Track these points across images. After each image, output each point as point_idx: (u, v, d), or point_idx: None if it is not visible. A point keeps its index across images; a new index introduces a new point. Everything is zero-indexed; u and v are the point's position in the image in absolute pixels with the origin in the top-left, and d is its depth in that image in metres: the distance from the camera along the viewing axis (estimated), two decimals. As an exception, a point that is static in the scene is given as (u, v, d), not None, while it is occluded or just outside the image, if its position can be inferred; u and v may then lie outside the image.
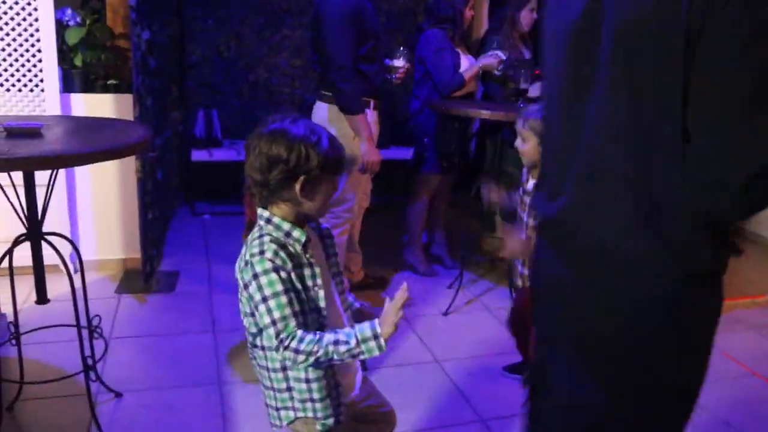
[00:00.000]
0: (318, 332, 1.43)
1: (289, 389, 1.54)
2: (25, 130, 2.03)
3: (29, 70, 3.42)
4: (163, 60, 4.09)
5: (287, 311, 1.41)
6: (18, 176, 2.12)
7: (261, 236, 1.48)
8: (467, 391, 2.74)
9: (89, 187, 3.73)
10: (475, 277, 3.95)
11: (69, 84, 3.60)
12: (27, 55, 3.39)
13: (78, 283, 2.25)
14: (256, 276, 1.42)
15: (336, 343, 1.40)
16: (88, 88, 3.65)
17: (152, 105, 3.55)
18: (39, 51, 3.40)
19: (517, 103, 3.83)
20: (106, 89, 3.68)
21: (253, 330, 1.52)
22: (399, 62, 3.37)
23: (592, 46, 1.14)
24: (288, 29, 5.23)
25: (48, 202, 2.18)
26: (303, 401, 1.54)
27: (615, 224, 1.14)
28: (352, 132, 3.04)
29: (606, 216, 1.15)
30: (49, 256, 2.29)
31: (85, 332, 2.33)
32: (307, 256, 1.51)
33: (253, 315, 1.49)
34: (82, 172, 3.70)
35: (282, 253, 1.45)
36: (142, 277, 3.56)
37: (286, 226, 1.49)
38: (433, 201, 4.06)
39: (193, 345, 3.02)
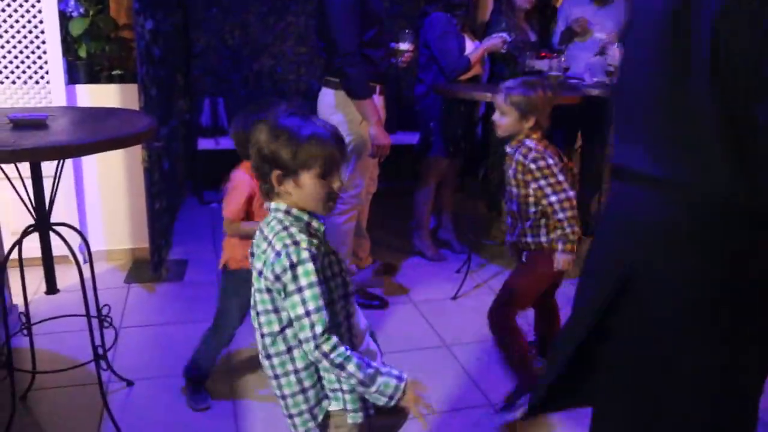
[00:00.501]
0: (348, 349, 1.42)
1: (319, 379, 1.52)
2: (30, 122, 2.03)
3: (34, 62, 3.42)
4: (168, 49, 4.08)
5: (321, 303, 1.40)
6: (25, 168, 2.12)
7: (286, 228, 1.45)
8: (476, 375, 2.74)
9: (96, 178, 3.74)
10: (483, 262, 3.94)
11: (74, 75, 3.60)
12: (32, 47, 3.39)
13: (87, 273, 2.26)
14: (293, 266, 1.39)
15: (361, 383, 1.41)
16: (92, 79, 3.65)
17: (157, 95, 3.55)
18: (43, 43, 3.40)
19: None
20: (110, 80, 3.68)
21: (275, 328, 1.48)
22: (404, 45, 3.34)
23: (688, 28, 1.27)
24: (292, 17, 5.21)
25: (55, 193, 2.19)
26: (333, 391, 1.51)
27: (711, 171, 1.29)
28: (359, 117, 3.04)
29: (703, 165, 1.30)
30: (57, 247, 2.29)
31: (95, 322, 2.34)
32: (326, 243, 1.52)
33: (276, 311, 1.46)
34: (89, 163, 3.71)
35: (314, 241, 1.46)
36: (150, 266, 3.58)
37: (306, 216, 1.48)
38: (440, 186, 4.05)
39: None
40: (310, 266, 1.40)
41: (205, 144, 4.96)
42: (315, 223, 1.49)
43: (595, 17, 4.10)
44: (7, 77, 3.40)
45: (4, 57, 3.37)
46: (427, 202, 3.99)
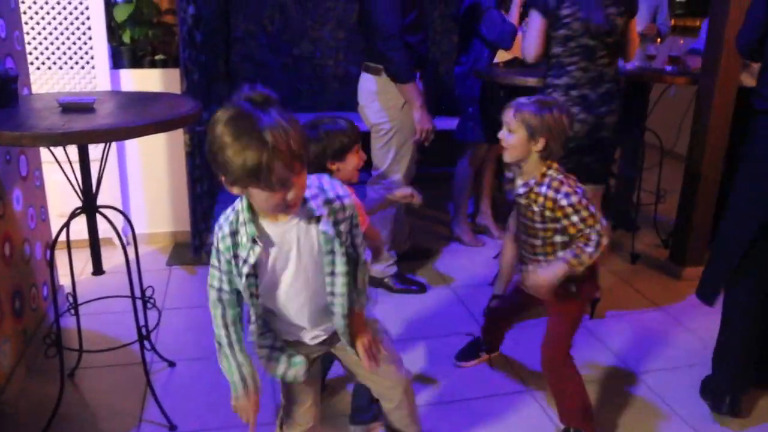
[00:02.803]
0: (229, 335, 1.63)
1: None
2: (79, 105, 2.08)
3: (80, 48, 3.49)
4: (209, 35, 4.12)
5: (214, 282, 1.53)
6: (72, 152, 2.16)
7: (233, 208, 1.47)
8: (513, 359, 2.73)
9: (139, 163, 3.80)
10: (521, 248, 3.92)
11: (118, 60, 3.66)
12: (78, 33, 3.46)
13: (131, 255, 2.30)
14: (213, 241, 1.52)
15: (228, 358, 1.68)
16: (136, 63, 3.71)
17: (199, 79, 3.59)
18: (89, 29, 3.47)
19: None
20: (153, 64, 3.73)
21: None
22: None
23: None
24: (331, 1, 5.20)
25: (101, 176, 2.23)
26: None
27: None
28: (399, 103, 3.04)
29: None
30: (102, 230, 2.35)
31: (139, 303, 2.39)
32: (251, 253, 1.43)
33: None
34: (132, 148, 3.77)
35: (228, 241, 1.45)
36: (191, 249, 3.63)
37: (245, 215, 1.42)
38: (479, 172, 4.03)
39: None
40: (213, 250, 1.51)
41: (244, 129, 4.99)
42: (247, 228, 1.42)
43: None
44: (54, 63, 3.47)
45: (52, 43, 3.44)
46: (466, 187, 3.98)
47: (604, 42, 2.71)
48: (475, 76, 3.74)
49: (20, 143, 1.75)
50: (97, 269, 2.33)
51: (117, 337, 2.75)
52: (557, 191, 2.03)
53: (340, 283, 1.54)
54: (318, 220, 1.46)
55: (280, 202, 1.34)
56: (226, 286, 1.52)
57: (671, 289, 3.43)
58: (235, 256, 1.45)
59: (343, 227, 1.51)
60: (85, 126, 1.83)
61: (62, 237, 2.21)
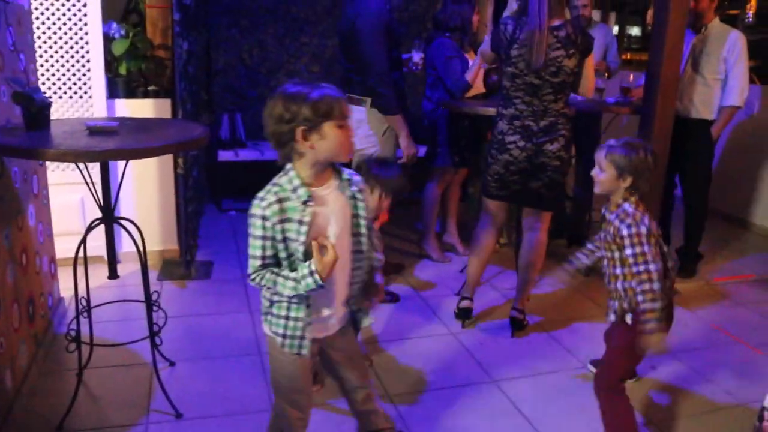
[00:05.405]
0: (274, 273, 1.75)
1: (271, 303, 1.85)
2: (104, 129, 2.38)
3: (79, 79, 3.77)
4: (197, 68, 4.44)
5: (257, 252, 1.73)
6: (77, 174, 2.44)
7: (273, 184, 1.75)
8: (479, 356, 3.08)
9: (131, 185, 4.06)
10: (484, 263, 4.29)
11: (113, 91, 3.93)
12: (77, 66, 3.75)
13: (131, 268, 2.58)
14: (251, 215, 1.72)
15: (293, 287, 1.73)
16: (130, 94, 3.99)
17: (191, 108, 3.89)
18: (88, 62, 3.75)
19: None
20: (146, 95, 4.02)
21: None
22: (417, 56, 4.00)
23: None
24: (306, 37, 5.58)
25: (119, 192, 2.53)
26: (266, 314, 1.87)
27: None
28: (382, 129, 3.43)
29: None
30: (98, 247, 2.61)
31: (143, 307, 2.66)
32: (305, 213, 1.72)
33: None
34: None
35: (275, 207, 1.70)
36: (183, 264, 3.90)
37: (296, 182, 1.72)
38: (445, 193, 4.40)
39: (233, 323, 3.36)
40: (258, 222, 1.70)
41: (225, 155, 5.28)
42: (301, 191, 1.71)
43: None
44: (54, 92, 3.75)
45: (53, 75, 3.72)
46: (434, 209, 4.33)
47: (550, 81, 2.98)
48: (442, 107, 4.11)
49: (64, 159, 2.05)
50: (112, 274, 2.61)
51: (123, 339, 3.00)
52: (622, 221, 2.27)
53: (364, 242, 1.89)
54: (350, 187, 1.83)
55: (346, 141, 1.71)
56: (269, 252, 1.74)
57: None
58: (283, 221, 1.71)
59: (361, 198, 1.87)
60: (118, 145, 2.14)
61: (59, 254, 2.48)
